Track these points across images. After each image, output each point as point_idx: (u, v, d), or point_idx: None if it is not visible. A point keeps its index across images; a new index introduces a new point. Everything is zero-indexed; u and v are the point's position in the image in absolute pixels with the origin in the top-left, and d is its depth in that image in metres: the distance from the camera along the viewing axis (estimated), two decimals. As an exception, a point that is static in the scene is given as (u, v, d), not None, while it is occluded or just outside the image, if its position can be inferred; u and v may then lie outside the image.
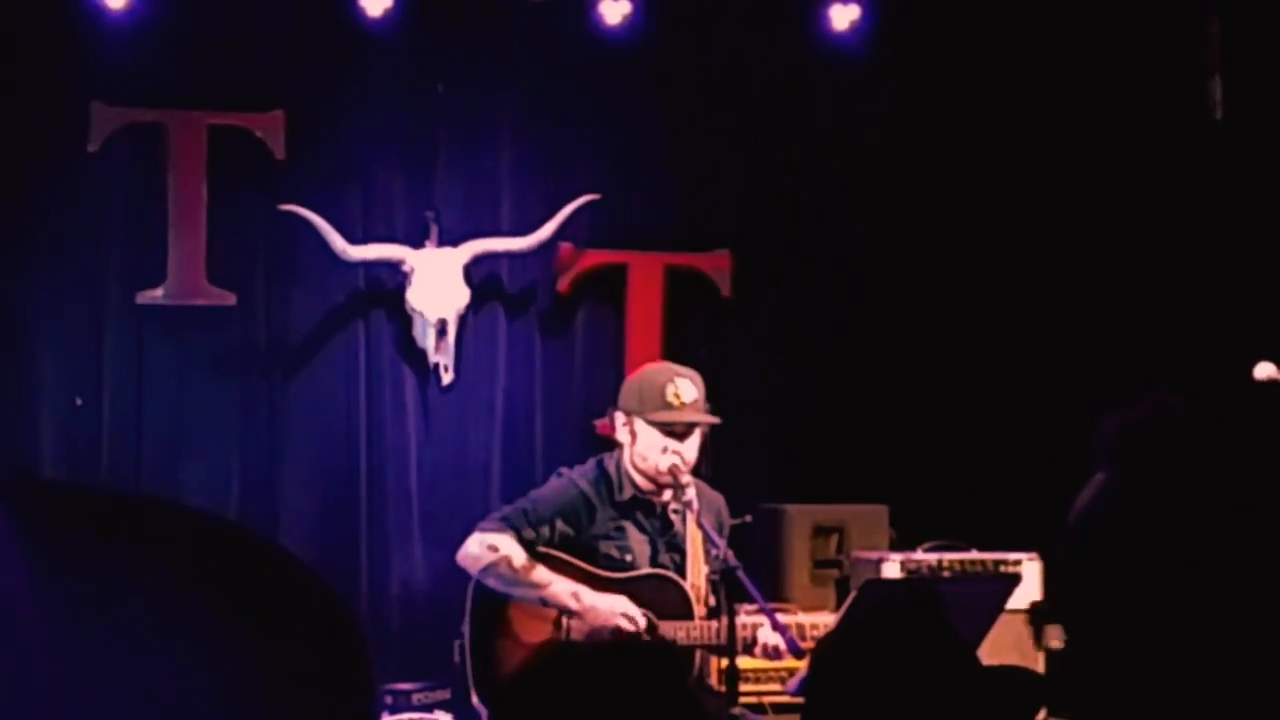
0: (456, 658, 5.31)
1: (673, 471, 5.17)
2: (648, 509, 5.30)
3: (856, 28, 7.10)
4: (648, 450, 5.20)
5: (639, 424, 5.22)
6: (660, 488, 5.24)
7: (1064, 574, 1.19)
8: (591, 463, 5.38)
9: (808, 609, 5.88)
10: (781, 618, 5.09)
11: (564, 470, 5.43)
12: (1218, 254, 7.11)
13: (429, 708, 6.16)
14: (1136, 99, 7.12)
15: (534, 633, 5.20)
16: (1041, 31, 7.09)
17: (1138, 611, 1.12)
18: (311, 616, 0.71)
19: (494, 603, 5.26)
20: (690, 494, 5.15)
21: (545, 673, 2.30)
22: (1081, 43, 7.10)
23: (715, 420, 5.30)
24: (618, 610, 5.15)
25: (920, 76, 7.18)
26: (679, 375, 5.26)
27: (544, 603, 5.19)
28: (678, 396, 5.19)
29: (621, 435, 5.29)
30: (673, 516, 5.28)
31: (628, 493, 5.28)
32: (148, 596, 0.67)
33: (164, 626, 0.67)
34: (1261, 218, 6.99)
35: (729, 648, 4.86)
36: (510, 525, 5.23)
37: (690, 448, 5.22)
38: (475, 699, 5.25)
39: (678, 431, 5.20)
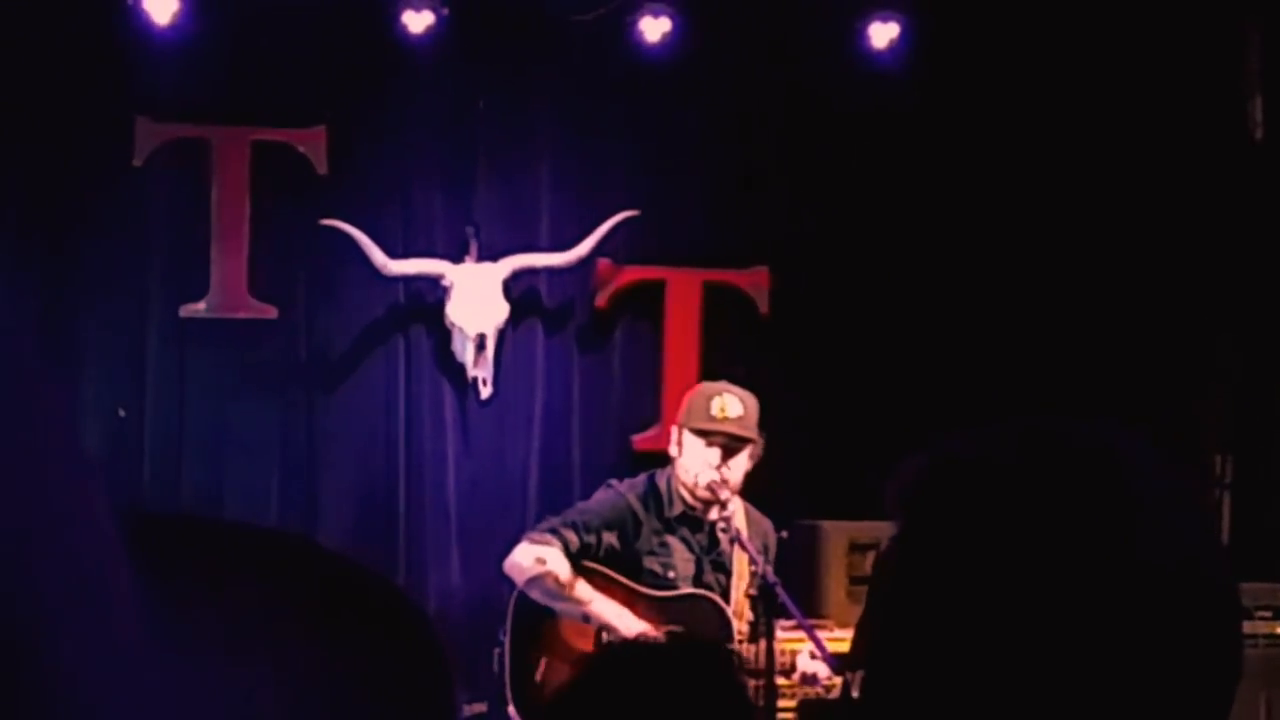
0: (495, 667, 5.33)
1: (711, 488, 5.18)
2: (695, 526, 5.32)
3: (895, 46, 7.10)
4: (691, 464, 5.22)
5: (686, 435, 5.25)
6: (705, 505, 5.26)
7: (863, 620, 1.18)
8: (643, 476, 5.41)
9: (844, 625, 5.88)
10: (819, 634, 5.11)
11: (613, 482, 5.46)
12: (1257, 273, 7.10)
13: (466, 720, 6.18)
14: (1176, 120, 7.11)
15: (574, 646, 5.22)
16: (1081, 52, 7.09)
17: (918, 655, 1.10)
18: (419, 665, 0.74)
19: (536, 614, 5.28)
20: (731, 508, 5.16)
21: (602, 674, 2.32)
22: (1121, 63, 7.09)
23: (753, 437, 5.29)
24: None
25: (960, 94, 7.17)
26: (728, 391, 5.30)
27: (586, 619, 5.21)
28: (723, 410, 5.21)
29: (673, 449, 5.32)
30: (720, 535, 5.28)
31: (677, 509, 5.29)
32: (271, 634, 0.70)
33: (289, 667, 0.69)
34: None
35: (768, 667, 4.88)
36: (558, 537, 5.25)
37: (736, 468, 5.24)
38: (512, 709, 5.27)
39: (718, 443, 5.21)
